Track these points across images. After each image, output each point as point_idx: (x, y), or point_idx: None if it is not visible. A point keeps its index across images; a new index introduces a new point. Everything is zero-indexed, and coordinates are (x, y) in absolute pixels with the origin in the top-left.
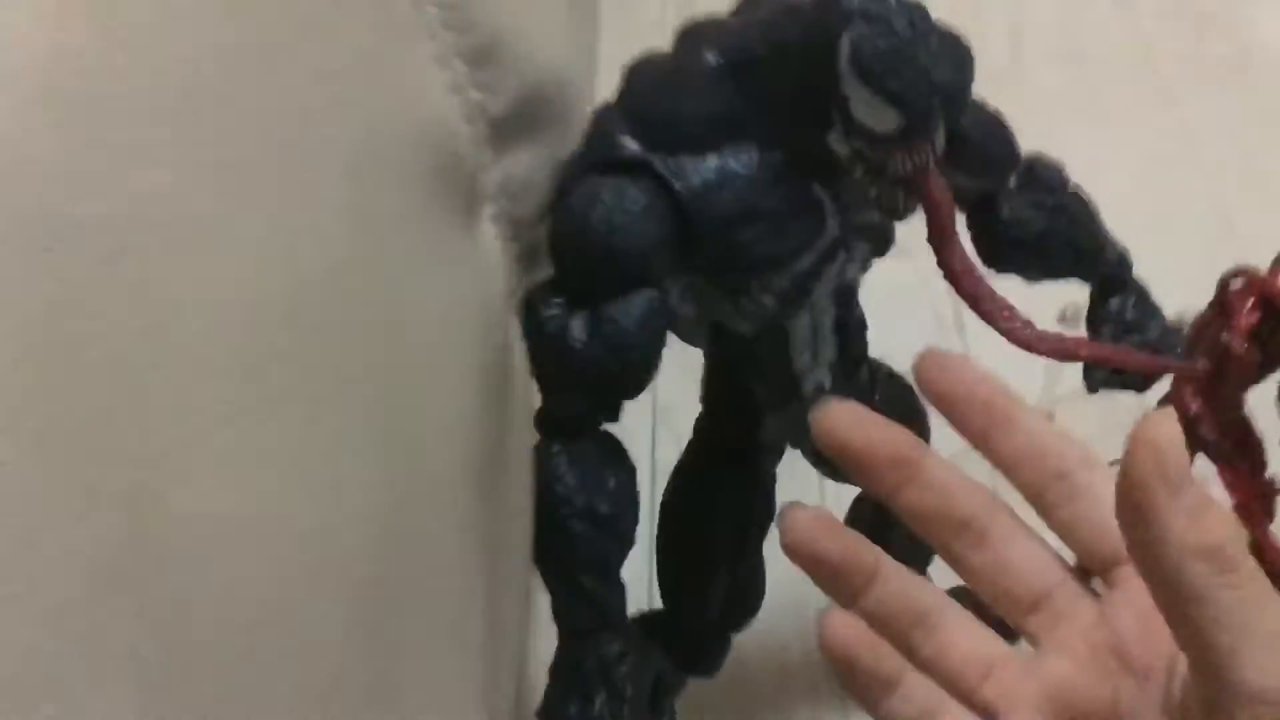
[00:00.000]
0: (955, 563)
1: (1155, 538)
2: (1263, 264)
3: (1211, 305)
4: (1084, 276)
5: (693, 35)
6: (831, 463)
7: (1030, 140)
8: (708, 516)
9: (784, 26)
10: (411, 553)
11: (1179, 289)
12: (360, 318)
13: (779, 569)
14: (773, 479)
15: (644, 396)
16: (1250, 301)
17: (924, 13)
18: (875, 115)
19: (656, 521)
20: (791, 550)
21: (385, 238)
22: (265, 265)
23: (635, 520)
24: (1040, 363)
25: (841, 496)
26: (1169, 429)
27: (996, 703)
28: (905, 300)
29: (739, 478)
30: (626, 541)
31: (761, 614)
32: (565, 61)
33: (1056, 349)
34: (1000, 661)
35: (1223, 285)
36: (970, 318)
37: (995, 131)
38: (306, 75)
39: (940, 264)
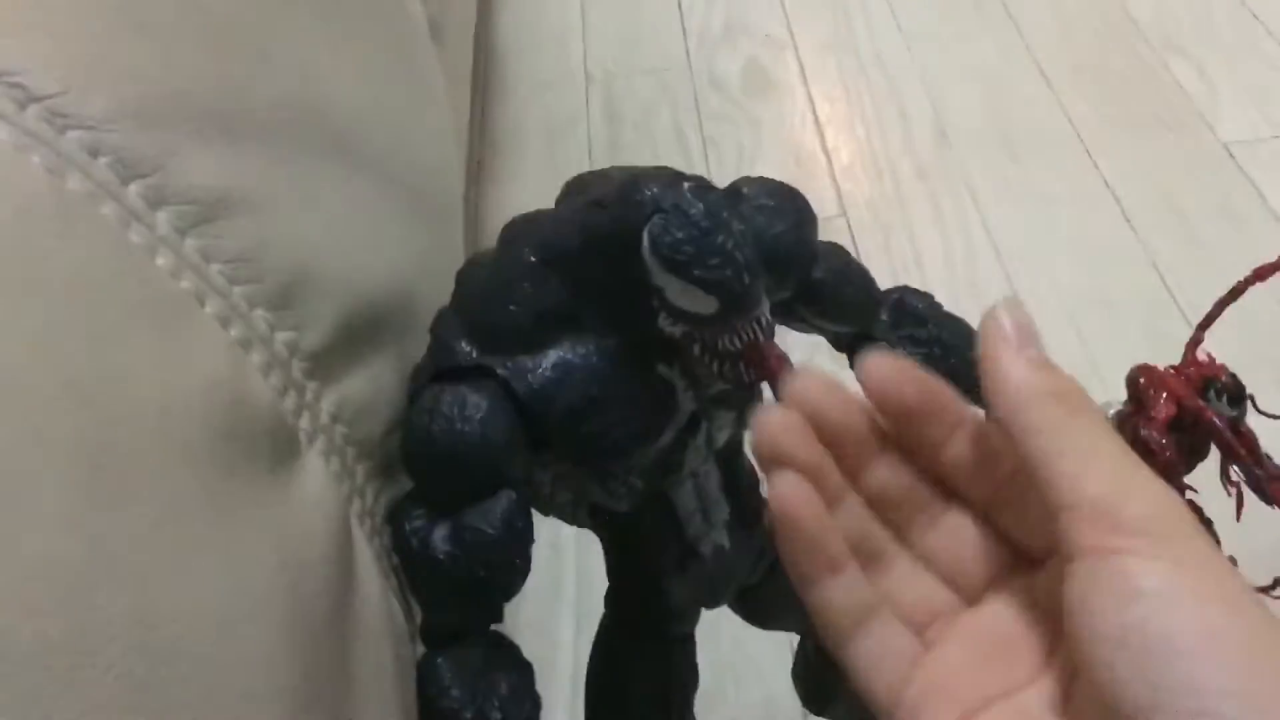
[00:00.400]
0: None
1: (1004, 381)
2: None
3: (1127, 401)
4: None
5: (512, 234)
6: (751, 610)
7: (967, 228)
8: (627, 689)
9: (593, 221)
10: None
11: (1128, 362)
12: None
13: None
14: (691, 641)
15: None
16: (1164, 395)
17: (717, 197)
18: (691, 300)
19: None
20: (765, 452)
21: (135, 539)
22: None
23: (535, 718)
24: None
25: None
26: (1016, 311)
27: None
28: None
29: (655, 646)
30: None
31: None
32: (399, 270)
33: None
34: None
35: (1132, 381)
36: None
37: (850, 277)
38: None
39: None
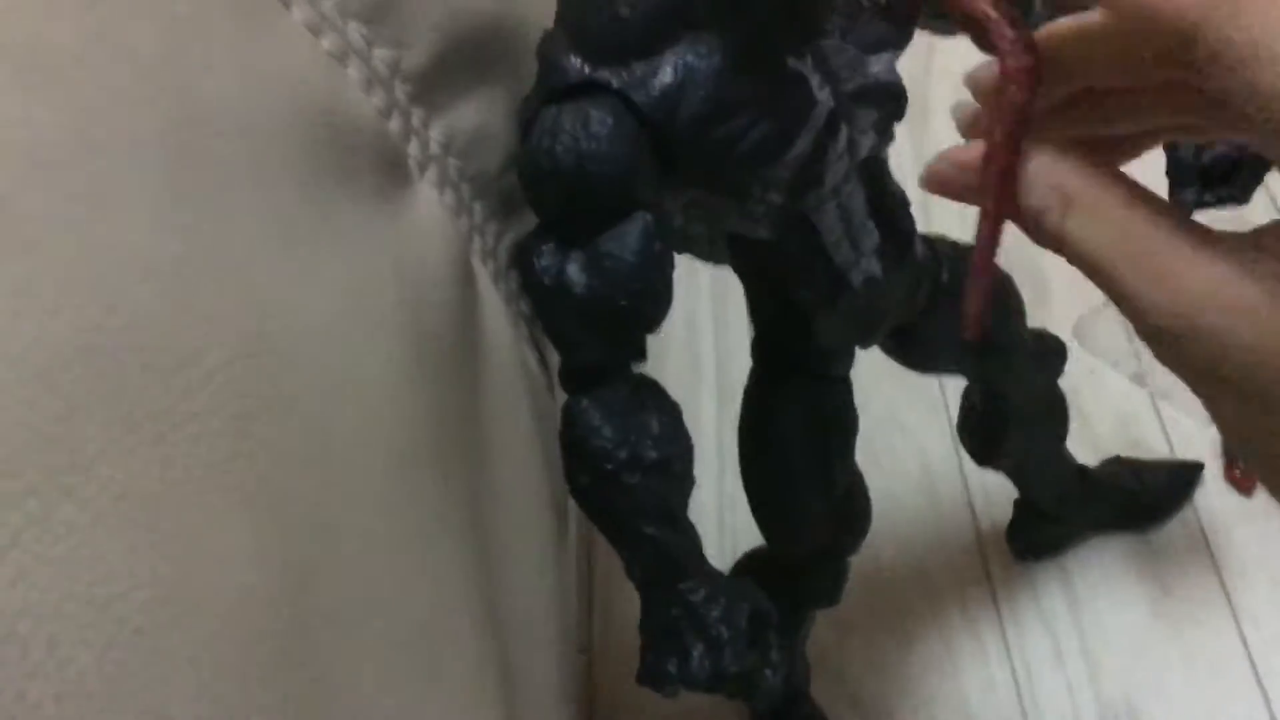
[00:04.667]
0: None
1: None
2: None
3: None
4: None
5: None
6: (907, 351)
7: None
8: (783, 439)
9: None
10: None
11: None
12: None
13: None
14: (847, 384)
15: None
16: None
17: None
18: None
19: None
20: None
21: (237, 238)
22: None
23: (689, 458)
24: None
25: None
26: None
27: None
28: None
29: (808, 392)
30: (685, 482)
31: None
32: None
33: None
34: None
35: None
36: None
37: None
38: (113, 57)
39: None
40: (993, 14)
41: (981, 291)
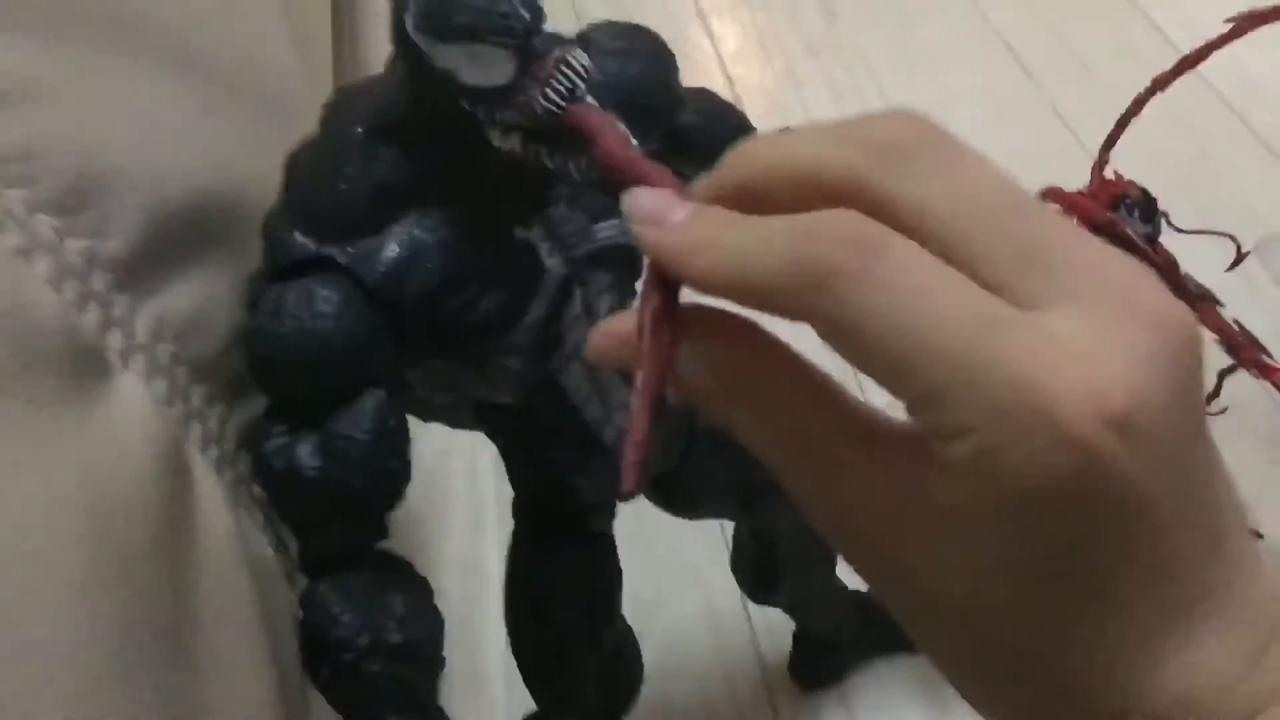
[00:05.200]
0: None
1: None
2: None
3: None
4: None
5: (333, 110)
6: (671, 499)
7: (862, 101)
8: (549, 600)
9: (394, 60)
10: None
11: None
12: None
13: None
14: (610, 541)
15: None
16: (1074, 216)
17: None
18: (480, 66)
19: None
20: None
21: None
22: None
23: (438, 640)
24: None
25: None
26: None
27: None
28: None
29: (569, 553)
30: (433, 666)
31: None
32: (224, 171)
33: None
34: None
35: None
36: None
37: (723, 116)
38: None
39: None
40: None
41: (639, 447)
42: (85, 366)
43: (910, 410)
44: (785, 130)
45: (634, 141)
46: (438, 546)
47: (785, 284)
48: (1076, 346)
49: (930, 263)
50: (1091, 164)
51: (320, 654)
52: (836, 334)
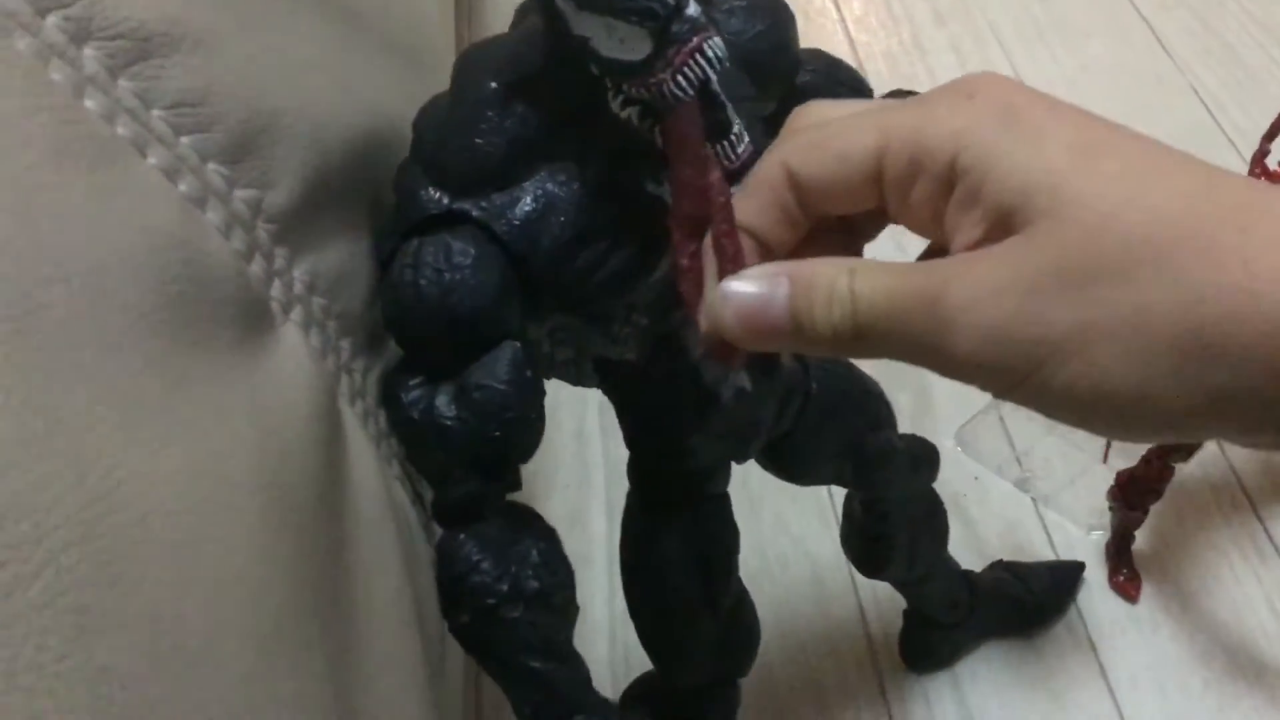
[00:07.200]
0: None
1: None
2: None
3: None
4: None
5: (467, 64)
6: (782, 463)
7: (993, 71)
8: (664, 566)
9: (530, 16)
10: None
11: None
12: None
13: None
14: (725, 501)
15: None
16: None
17: None
18: (620, 41)
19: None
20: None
21: (74, 410)
22: None
23: (571, 588)
24: None
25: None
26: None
27: None
28: None
29: (687, 514)
30: (568, 612)
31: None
32: (376, 122)
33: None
34: None
35: None
36: None
37: (840, 77)
38: None
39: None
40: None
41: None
42: (254, 316)
43: None
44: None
45: (745, 142)
46: (543, 504)
47: None
48: None
49: None
50: (1237, 145)
51: (459, 601)
52: None
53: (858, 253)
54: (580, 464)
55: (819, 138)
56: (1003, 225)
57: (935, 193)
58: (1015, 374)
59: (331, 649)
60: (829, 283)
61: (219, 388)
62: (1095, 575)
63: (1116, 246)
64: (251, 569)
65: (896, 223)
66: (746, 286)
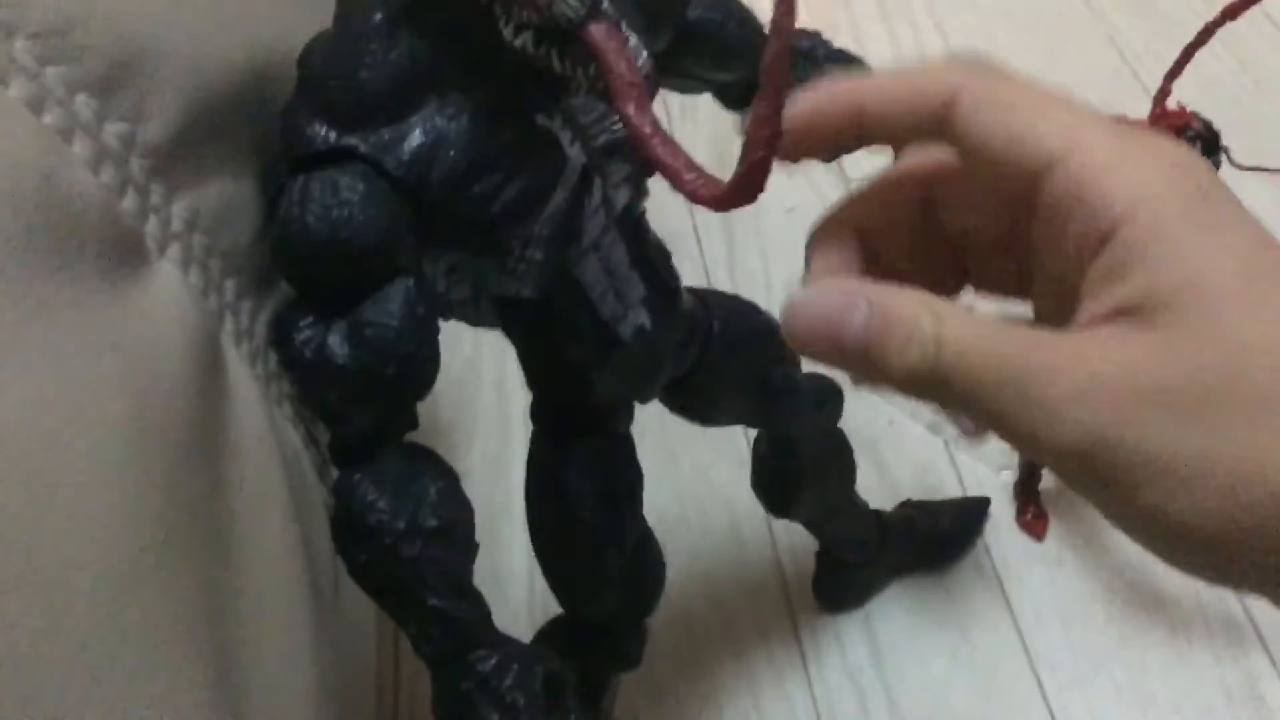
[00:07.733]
0: None
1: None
2: None
3: None
4: None
5: None
6: (686, 403)
7: (911, 20)
8: (570, 502)
9: None
10: None
11: None
12: None
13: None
14: (629, 441)
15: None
16: None
17: None
18: None
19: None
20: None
21: None
22: None
23: (470, 523)
24: None
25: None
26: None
27: None
28: None
29: (590, 451)
30: (468, 548)
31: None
32: (259, 53)
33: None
34: None
35: None
36: None
37: (731, 11)
38: None
39: (622, 122)
40: None
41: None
42: (124, 251)
43: None
44: None
45: (644, 55)
46: (463, 453)
47: None
48: None
49: None
50: (1152, 94)
51: (357, 540)
52: None
53: None
54: (501, 415)
55: (1004, 116)
56: (1139, 314)
57: (1082, 239)
58: (1101, 479)
59: (202, 584)
60: (912, 320)
61: (81, 318)
62: (1004, 514)
63: (1267, 378)
64: (111, 500)
65: (979, 288)
66: (825, 299)
